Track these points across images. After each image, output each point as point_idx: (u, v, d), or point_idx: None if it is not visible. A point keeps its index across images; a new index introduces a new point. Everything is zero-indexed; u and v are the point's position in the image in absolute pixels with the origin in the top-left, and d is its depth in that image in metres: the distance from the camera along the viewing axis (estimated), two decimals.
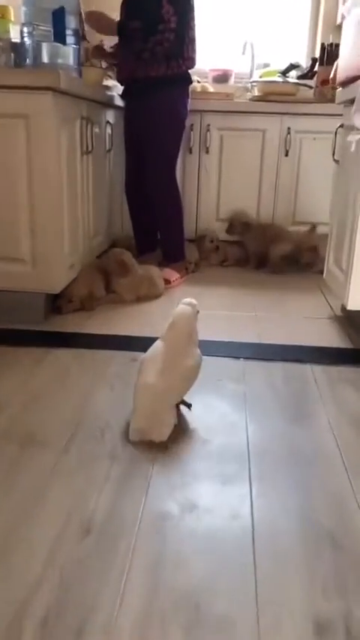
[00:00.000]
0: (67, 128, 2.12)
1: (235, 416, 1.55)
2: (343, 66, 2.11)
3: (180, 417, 1.53)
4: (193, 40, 2.61)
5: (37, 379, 1.73)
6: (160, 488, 1.23)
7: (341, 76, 2.12)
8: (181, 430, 1.46)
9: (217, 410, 1.58)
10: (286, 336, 2.15)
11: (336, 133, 2.28)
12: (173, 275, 2.82)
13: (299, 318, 2.39)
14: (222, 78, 3.49)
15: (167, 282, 2.75)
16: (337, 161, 2.28)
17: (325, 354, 1.99)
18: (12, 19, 2.44)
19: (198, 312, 1.52)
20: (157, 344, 1.50)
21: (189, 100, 2.76)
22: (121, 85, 2.77)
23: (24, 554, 1.03)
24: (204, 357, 1.63)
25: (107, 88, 2.83)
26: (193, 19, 2.59)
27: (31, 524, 1.10)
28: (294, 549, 1.06)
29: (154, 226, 3.00)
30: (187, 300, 1.51)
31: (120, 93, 2.83)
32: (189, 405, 1.58)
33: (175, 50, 2.55)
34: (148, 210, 2.92)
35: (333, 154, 2.30)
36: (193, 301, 1.51)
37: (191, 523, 1.12)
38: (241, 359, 1.93)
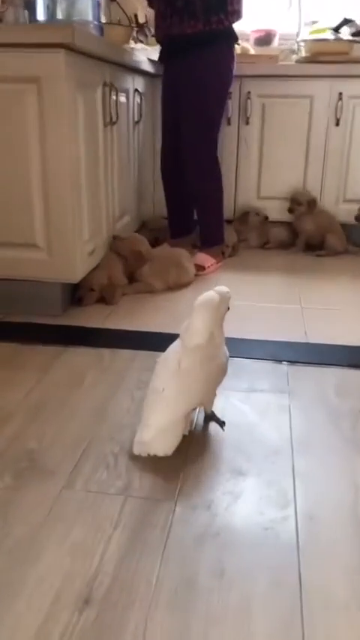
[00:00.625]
0: (85, 94, 1.85)
1: (278, 439, 1.27)
2: None
3: (208, 437, 1.27)
4: None
5: (47, 385, 1.50)
6: (183, 541, 0.97)
7: None
8: (211, 457, 1.20)
9: (254, 431, 1.31)
10: (340, 335, 1.84)
11: None
12: (208, 260, 2.54)
13: (356, 312, 2.07)
14: (265, 39, 3.13)
15: (201, 268, 2.47)
16: None
17: None
18: None
19: (228, 308, 1.25)
20: (175, 343, 1.25)
21: (234, 62, 2.44)
22: (160, 45, 2.47)
23: (6, 632, 0.80)
24: (237, 360, 1.36)
25: (136, 51, 2.53)
26: None
27: (17, 590, 0.87)
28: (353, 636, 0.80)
29: (190, 207, 2.72)
30: (219, 287, 1.24)
31: (155, 57, 2.54)
32: (222, 424, 1.32)
33: (217, 1, 2.22)
34: (184, 188, 2.64)
35: None
36: (224, 289, 1.23)
37: (222, 595, 0.86)
38: (284, 363, 1.64)
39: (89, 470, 1.15)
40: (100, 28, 2.05)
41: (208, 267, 2.51)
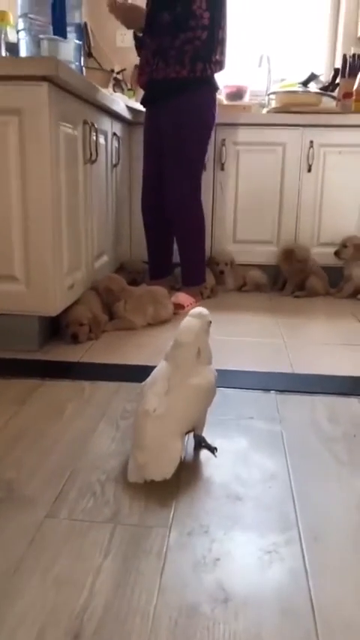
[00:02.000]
0: (67, 130, 1.87)
1: (273, 464, 1.21)
2: None
3: (200, 463, 1.20)
4: (222, 42, 2.36)
5: (25, 416, 1.41)
6: (181, 568, 0.88)
7: None
8: (205, 483, 1.13)
9: (248, 456, 1.24)
10: (324, 366, 1.82)
11: None
12: (187, 300, 2.52)
13: (336, 345, 2.06)
14: (236, 94, 3.27)
15: (180, 307, 2.45)
16: None
17: None
18: (11, 22, 2.25)
19: (210, 322, 1.22)
20: (161, 365, 1.19)
21: (216, 108, 2.50)
22: (144, 90, 2.54)
23: None
24: (224, 390, 1.31)
25: (115, 96, 2.59)
26: (224, 17, 2.34)
27: None
28: None
29: (170, 248, 2.73)
30: (197, 309, 1.21)
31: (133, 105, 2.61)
32: (213, 450, 1.25)
33: (205, 51, 2.29)
34: (166, 230, 2.65)
35: None
36: (204, 311, 1.21)
37: (229, 625, 0.77)
38: (273, 392, 1.59)
39: (74, 498, 1.06)
40: (81, 69, 2.10)
41: (187, 306, 2.49)
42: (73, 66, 1.95)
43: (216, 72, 2.38)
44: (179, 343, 1.17)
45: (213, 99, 2.47)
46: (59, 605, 0.80)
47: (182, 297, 2.51)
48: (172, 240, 2.68)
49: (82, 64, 2.08)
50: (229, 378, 1.66)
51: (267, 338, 2.13)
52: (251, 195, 2.95)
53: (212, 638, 0.75)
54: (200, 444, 1.26)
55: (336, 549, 0.93)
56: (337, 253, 2.81)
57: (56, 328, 2.04)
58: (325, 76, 3.23)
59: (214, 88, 2.44)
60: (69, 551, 0.91)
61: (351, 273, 2.78)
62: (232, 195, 2.96)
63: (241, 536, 0.96)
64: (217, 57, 2.35)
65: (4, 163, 1.73)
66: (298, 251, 2.83)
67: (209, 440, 1.26)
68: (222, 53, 2.37)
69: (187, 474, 1.15)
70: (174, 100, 2.37)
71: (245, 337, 2.13)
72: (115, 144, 2.61)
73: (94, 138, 2.17)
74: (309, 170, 2.89)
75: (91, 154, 2.13)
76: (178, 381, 1.15)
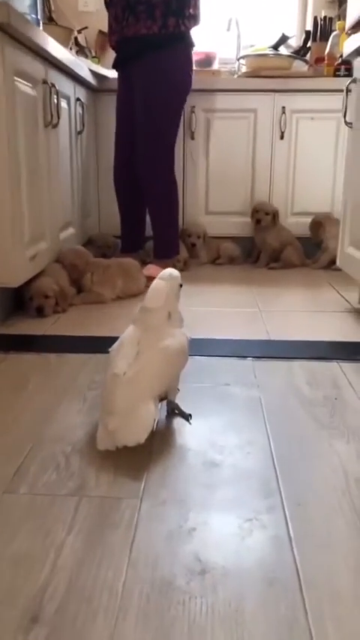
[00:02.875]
0: (23, 88, 1.74)
1: (252, 430, 1.13)
2: (355, 5, 1.77)
3: (174, 431, 1.12)
4: None
5: None
6: (153, 540, 0.80)
7: (352, 17, 1.78)
8: (179, 451, 1.04)
9: (225, 423, 1.16)
10: (301, 332, 1.75)
11: (347, 90, 1.93)
12: (159, 272, 2.41)
13: (311, 312, 1.99)
14: (205, 62, 3.15)
15: (152, 279, 2.34)
16: (349, 124, 1.93)
17: (352, 350, 1.59)
18: None
19: (181, 285, 1.15)
20: (129, 329, 1.12)
21: (192, 67, 2.37)
22: (115, 51, 2.38)
23: None
24: (200, 358, 1.24)
25: (77, 59, 2.45)
26: None
27: None
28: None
29: (143, 222, 2.62)
30: (167, 271, 1.15)
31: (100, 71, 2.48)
32: (187, 417, 1.16)
33: (177, 4, 2.14)
34: (139, 202, 2.54)
35: (344, 116, 1.94)
36: (174, 272, 1.15)
37: (206, 599, 0.70)
38: (249, 358, 1.52)
39: (35, 472, 0.97)
40: (38, 23, 1.96)
41: None
42: (28, 18, 1.81)
43: (190, 27, 2.24)
44: (147, 308, 1.10)
45: (188, 58, 2.33)
46: (16, 585, 0.71)
47: (154, 269, 2.41)
48: (145, 213, 2.57)
49: (40, 18, 1.94)
50: (203, 347, 1.58)
51: (242, 307, 2.05)
52: (223, 164, 2.85)
53: (188, 613, 0.67)
54: (174, 411, 1.17)
55: (321, 515, 0.86)
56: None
57: (20, 302, 1.92)
58: (296, 40, 3.13)
59: (189, 45, 2.30)
60: (29, 527, 0.82)
61: (327, 244, 2.72)
62: (203, 165, 2.86)
63: (219, 505, 0.88)
64: (191, 10, 2.21)
65: None
66: (266, 206, 2.76)
67: (183, 408, 1.18)
68: (196, 6, 2.23)
69: (160, 442, 1.07)
70: (145, 59, 2.23)
71: (219, 307, 2.05)
72: (80, 110, 2.47)
73: (55, 101, 2.04)
74: (281, 137, 2.80)
75: (52, 117, 2.00)
76: (148, 344, 1.06)
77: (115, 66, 2.43)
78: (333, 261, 2.73)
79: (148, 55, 2.21)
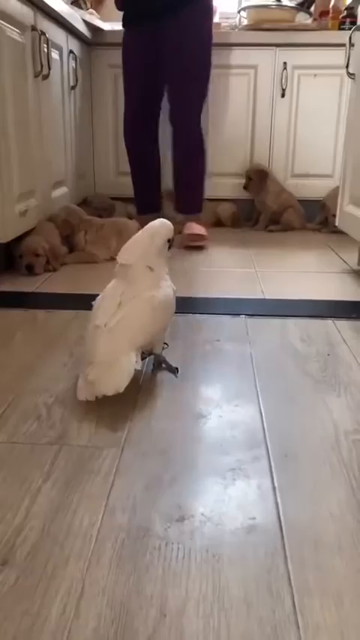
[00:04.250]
0: (10, 34, 1.66)
1: (241, 384, 1.10)
2: None
3: (159, 383, 1.09)
4: None
5: None
6: (131, 489, 0.78)
7: None
8: (164, 403, 1.02)
9: (214, 377, 1.13)
10: (297, 291, 1.71)
11: (350, 41, 1.84)
12: (202, 229, 2.31)
13: (309, 273, 1.95)
14: None
15: (200, 237, 2.27)
16: (352, 75, 1.85)
17: (349, 308, 1.55)
18: None
19: (170, 240, 1.09)
20: (111, 282, 1.08)
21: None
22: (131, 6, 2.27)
23: None
24: (192, 315, 1.21)
25: (70, 8, 2.35)
26: None
27: None
28: (345, 580, 0.62)
29: (159, 179, 2.53)
30: (158, 222, 1.09)
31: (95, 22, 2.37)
32: (175, 370, 1.13)
33: None
34: (154, 158, 2.46)
35: (347, 67, 1.86)
36: (162, 225, 1.08)
37: (183, 545, 0.67)
38: (243, 316, 1.48)
39: (15, 422, 0.94)
40: None
41: (206, 235, 2.30)
42: None
43: None
44: (121, 263, 1.05)
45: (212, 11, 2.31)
46: None
47: (197, 228, 2.30)
48: (160, 170, 2.50)
49: None
50: (196, 305, 1.54)
51: (238, 268, 2.00)
52: (221, 124, 2.76)
53: (163, 558, 0.65)
54: (160, 364, 1.14)
55: (307, 466, 0.83)
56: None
57: (10, 260, 1.88)
58: None
59: None
60: (5, 474, 0.80)
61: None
62: (202, 124, 2.76)
63: (203, 455, 0.86)
64: None
65: None
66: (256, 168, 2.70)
67: (172, 362, 1.14)
68: None
69: (145, 394, 1.04)
70: (187, 10, 2.15)
71: (215, 267, 2.00)
72: (72, 63, 2.38)
73: (46, 50, 1.96)
74: (282, 95, 2.70)
75: (42, 67, 1.92)
76: (131, 295, 1.02)
77: (131, 21, 2.29)
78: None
79: (189, 6, 2.16)
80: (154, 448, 0.87)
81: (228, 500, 0.75)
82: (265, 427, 0.94)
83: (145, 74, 2.33)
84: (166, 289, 1.07)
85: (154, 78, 2.32)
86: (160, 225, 1.08)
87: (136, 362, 0.98)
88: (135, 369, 0.97)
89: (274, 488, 0.78)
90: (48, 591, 0.60)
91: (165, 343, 1.15)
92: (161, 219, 1.10)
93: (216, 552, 0.66)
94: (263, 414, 0.98)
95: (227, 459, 0.85)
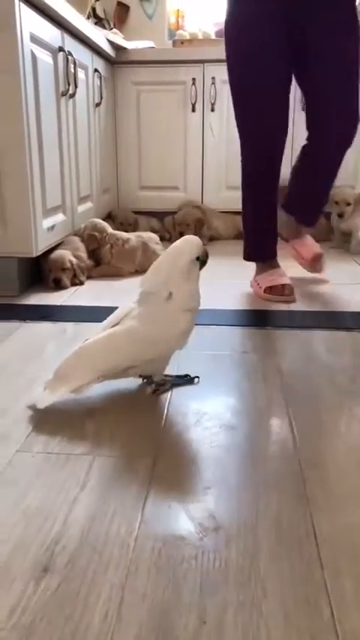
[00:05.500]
0: (40, 55, 1.71)
1: (270, 395, 1.11)
2: None
3: (188, 397, 1.10)
4: None
5: (3, 354, 1.30)
6: (166, 498, 0.79)
7: None
8: (194, 415, 1.03)
9: (243, 388, 1.14)
10: (321, 303, 1.71)
11: None
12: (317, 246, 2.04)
13: (333, 285, 1.95)
14: None
15: (319, 256, 1.99)
16: None
17: None
18: None
19: (199, 259, 1.03)
20: (128, 303, 1.11)
21: None
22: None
23: None
24: (218, 328, 1.24)
25: (95, 29, 2.41)
26: None
27: None
28: None
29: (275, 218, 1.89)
30: (185, 241, 1.04)
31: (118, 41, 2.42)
32: (190, 380, 1.14)
33: None
34: (275, 200, 1.86)
35: None
36: (190, 239, 1.04)
37: (219, 554, 0.68)
38: (269, 328, 1.49)
39: (49, 433, 0.96)
40: None
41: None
42: None
43: None
44: (141, 289, 1.06)
45: None
46: (27, 538, 0.70)
47: (315, 245, 2.02)
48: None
49: None
50: (221, 317, 1.56)
51: None
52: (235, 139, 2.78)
53: (200, 567, 0.66)
54: (158, 388, 1.11)
55: (338, 476, 0.84)
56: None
57: (38, 274, 1.92)
58: None
59: None
60: (42, 484, 0.82)
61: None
62: (223, 137, 2.80)
63: (235, 465, 0.87)
64: None
65: None
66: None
67: (201, 373, 1.16)
68: None
69: (175, 406, 1.06)
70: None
71: (238, 279, 2.02)
72: (97, 82, 2.44)
73: (73, 70, 2.01)
74: (303, 109, 2.72)
75: (68, 86, 1.97)
76: (129, 319, 1.05)
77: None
78: None
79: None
80: (186, 458, 0.88)
81: (262, 512, 0.76)
82: (296, 437, 0.94)
83: (280, 71, 1.69)
84: (177, 325, 1.03)
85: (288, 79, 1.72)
86: (184, 244, 1.03)
87: (84, 385, 1.02)
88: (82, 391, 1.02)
89: (306, 499, 0.79)
90: (89, 597, 0.61)
91: (188, 375, 1.14)
92: (185, 237, 1.06)
93: (252, 562, 0.67)
94: (294, 425, 0.98)
95: (259, 470, 0.86)
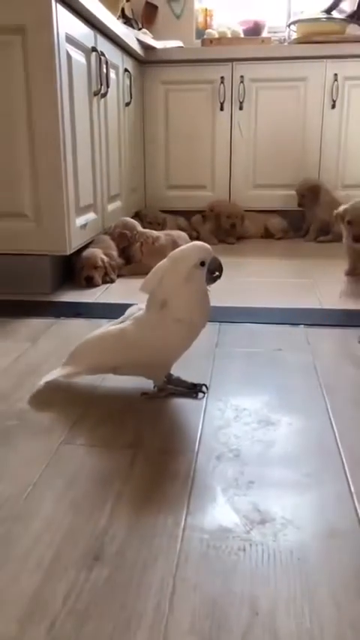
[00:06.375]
0: (75, 56, 1.73)
1: (308, 392, 1.11)
2: None
3: (229, 392, 1.10)
4: None
5: (36, 353, 1.32)
6: (210, 491, 0.79)
7: None
8: (233, 411, 1.03)
9: (280, 385, 1.14)
10: (354, 302, 1.70)
11: None
12: None
13: None
14: (254, 30, 3.08)
15: None
16: None
17: None
18: None
19: (203, 263, 0.96)
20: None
21: None
22: None
23: None
24: (251, 325, 1.23)
25: (125, 29, 2.43)
26: None
27: (8, 550, 0.68)
28: None
29: None
30: (186, 247, 1.00)
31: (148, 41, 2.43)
32: (194, 392, 1.07)
33: None
34: None
35: None
36: (197, 244, 1.00)
37: (267, 546, 0.68)
38: (302, 326, 1.49)
39: (91, 426, 0.98)
40: None
41: None
42: None
43: None
44: (140, 290, 1.02)
45: None
46: (77, 528, 0.72)
47: None
48: None
49: None
50: (254, 315, 1.56)
51: (293, 278, 2.01)
52: (271, 135, 2.78)
53: (249, 559, 0.66)
54: (159, 392, 1.08)
55: None
56: None
57: (70, 273, 1.94)
58: (349, 4, 3.00)
59: None
60: (86, 475, 0.83)
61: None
62: (251, 136, 2.79)
63: (276, 460, 0.87)
64: None
65: (9, 90, 1.61)
66: (324, 191, 2.68)
67: (232, 371, 1.16)
68: None
69: (213, 401, 1.06)
70: None
71: (269, 278, 2.01)
72: (127, 81, 2.46)
73: (105, 70, 2.03)
74: (333, 106, 2.71)
75: (100, 86, 1.99)
76: (129, 320, 1.06)
77: None
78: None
79: None
80: (228, 453, 0.89)
81: (307, 505, 0.76)
82: (337, 434, 0.94)
83: None
84: (173, 334, 0.99)
85: None
86: (189, 248, 0.98)
87: (72, 375, 1.08)
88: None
89: (351, 493, 0.78)
90: (141, 587, 0.62)
91: (204, 385, 1.09)
92: (195, 242, 1.02)
93: (301, 555, 0.67)
94: (333, 421, 0.98)
95: (301, 465, 0.86)
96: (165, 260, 1.00)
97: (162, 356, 1.03)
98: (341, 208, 1.96)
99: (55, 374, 1.10)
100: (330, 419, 0.99)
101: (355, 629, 0.57)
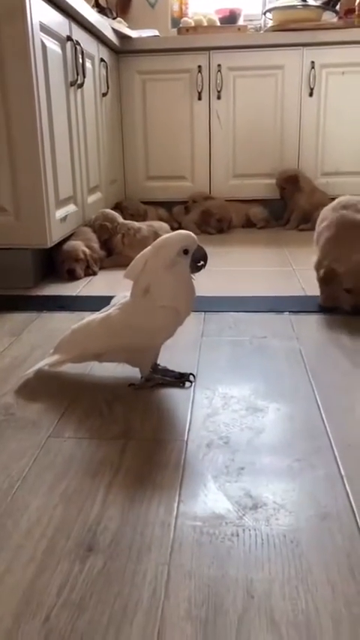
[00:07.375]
0: (49, 45, 1.70)
1: (294, 377, 1.11)
2: None
3: (216, 380, 1.10)
4: None
5: (20, 347, 1.31)
6: (201, 479, 0.79)
7: None
8: (221, 398, 1.03)
9: (266, 371, 1.14)
10: None
11: None
12: None
13: None
14: (230, 19, 3.06)
15: None
16: None
17: None
18: None
19: (185, 250, 0.97)
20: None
21: None
22: None
23: None
24: (236, 314, 1.23)
25: (100, 17, 2.39)
26: None
27: (1, 544, 0.68)
28: None
29: None
30: (169, 236, 1.00)
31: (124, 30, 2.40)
32: (180, 381, 1.07)
33: None
34: None
35: None
36: (180, 232, 1.00)
37: (260, 531, 0.69)
38: (286, 313, 1.49)
39: (79, 418, 0.97)
40: None
41: None
42: None
43: None
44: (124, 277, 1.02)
45: None
46: (68, 519, 0.71)
47: None
48: None
49: None
50: (238, 303, 1.56)
51: (276, 267, 2.01)
52: (250, 124, 2.77)
53: (242, 543, 0.66)
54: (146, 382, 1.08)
55: None
56: None
57: (52, 265, 1.92)
58: None
59: None
60: (76, 468, 0.82)
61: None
62: (230, 126, 2.79)
63: (266, 446, 0.87)
64: None
65: None
66: (302, 179, 2.69)
67: (219, 358, 1.16)
68: None
69: (201, 389, 1.06)
70: None
71: (252, 267, 2.02)
72: (103, 71, 2.43)
73: (81, 60, 2.00)
74: (310, 94, 2.71)
75: (77, 76, 1.96)
76: (113, 308, 1.06)
77: None
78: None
79: None
80: (218, 440, 0.89)
81: (298, 489, 0.77)
82: (324, 418, 0.95)
83: None
84: (155, 320, 1.00)
85: None
86: (173, 236, 0.98)
87: (51, 362, 1.10)
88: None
89: (341, 476, 0.79)
90: (136, 575, 0.62)
91: (191, 374, 1.09)
92: (180, 230, 1.02)
93: (294, 538, 0.67)
94: (320, 405, 0.99)
95: (291, 449, 0.86)
96: (149, 247, 1.01)
97: (146, 340, 1.04)
98: (335, 265, 1.45)
99: (41, 363, 1.11)
100: (317, 403, 1.00)
101: (350, 608, 0.57)
